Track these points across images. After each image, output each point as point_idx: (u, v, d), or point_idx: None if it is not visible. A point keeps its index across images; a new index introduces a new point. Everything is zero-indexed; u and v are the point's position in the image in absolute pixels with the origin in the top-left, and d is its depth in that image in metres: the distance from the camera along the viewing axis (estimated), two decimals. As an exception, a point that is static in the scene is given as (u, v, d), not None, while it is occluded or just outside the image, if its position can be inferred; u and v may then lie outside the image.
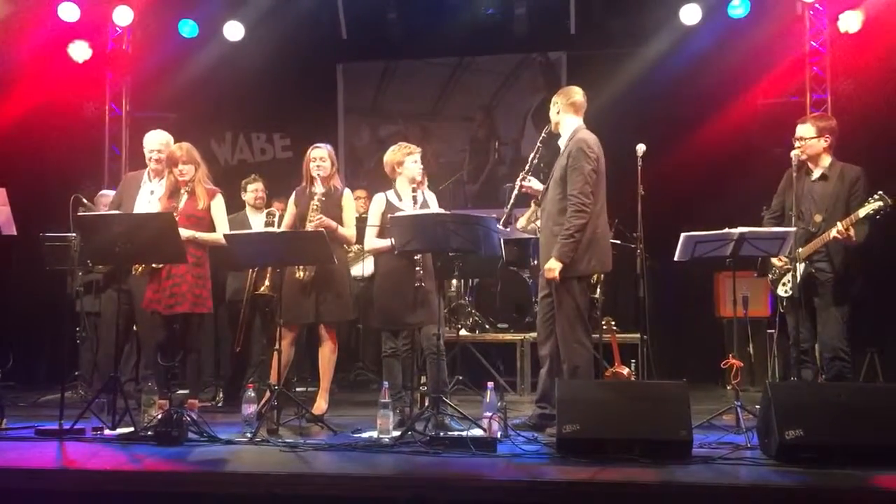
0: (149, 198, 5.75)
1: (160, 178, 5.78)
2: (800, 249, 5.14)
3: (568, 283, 4.82)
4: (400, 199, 5.38)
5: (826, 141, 5.26)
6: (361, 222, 6.74)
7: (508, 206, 5.23)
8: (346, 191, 5.60)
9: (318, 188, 5.39)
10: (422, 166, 5.41)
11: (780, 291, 5.37)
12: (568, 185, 4.82)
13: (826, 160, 5.29)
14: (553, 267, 4.77)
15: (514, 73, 8.98)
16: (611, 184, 6.46)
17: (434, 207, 5.40)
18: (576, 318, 4.83)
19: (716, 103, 7.64)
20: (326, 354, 5.48)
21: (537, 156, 5.10)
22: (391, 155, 5.43)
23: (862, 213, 4.97)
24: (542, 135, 5.11)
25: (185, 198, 5.48)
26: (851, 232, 4.99)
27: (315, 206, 5.35)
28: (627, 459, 3.97)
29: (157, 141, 5.81)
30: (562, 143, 5.02)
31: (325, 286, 5.33)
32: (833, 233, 5.03)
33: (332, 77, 9.20)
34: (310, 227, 5.28)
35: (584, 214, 4.77)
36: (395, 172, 5.41)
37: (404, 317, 5.22)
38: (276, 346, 5.09)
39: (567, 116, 5.03)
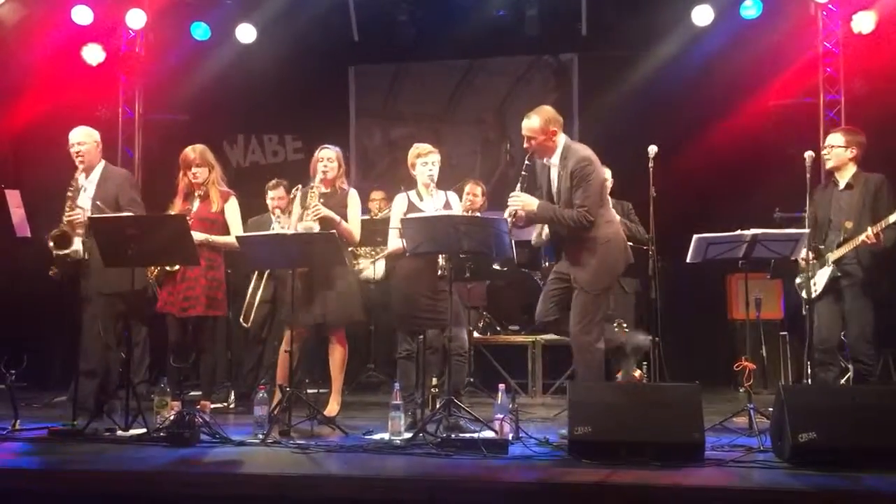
0: (82, 194, 5.52)
1: (88, 173, 5.59)
2: (830, 254, 5.27)
3: (601, 295, 4.79)
4: (421, 200, 5.37)
5: (852, 153, 5.37)
6: (377, 223, 6.80)
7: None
8: (352, 190, 5.59)
9: (317, 184, 5.38)
10: (431, 170, 5.33)
11: (805, 293, 5.41)
12: (575, 198, 4.74)
13: (851, 170, 5.39)
14: (530, 205, 4.75)
15: (525, 74, 8.96)
16: (623, 185, 6.50)
17: (457, 209, 5.39)
18: (596, 325, 4.77)
19: (728, 104, 7.61)
20: (336, 357, 5.47)
21: (525, 185, 4.92)
22: (409, 155, 5.43)
23: (893, 218, 5.05)
24: (527, 162, 4.94)
25: (198, 201, 5.50)
26: (882, 237, 5.09)
27: (313, 194, 5.34)
28: (639, 462, 3.96)
29: (75, 136, 5.58)
30: (555, 160, 4.88)
31: (330, 288, 5.32)
32: (862, 237, 5.12)
33: (344, 79, 9.21)
34: (307, 218, 5.27)
35: (583, 223, 4.70)
36: (412, 173, 5.42)
37: (423, 319, 5.22)
38: (287, 349, 5.11)
39: (560, 136, 4.89)
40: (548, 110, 4.87)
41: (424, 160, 5.33)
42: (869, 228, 5.10)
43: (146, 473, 4.02)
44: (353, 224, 5.51)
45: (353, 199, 5.55)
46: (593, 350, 4.76)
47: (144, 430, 4.73)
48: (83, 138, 5.58)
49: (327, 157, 5.46)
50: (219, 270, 5.47)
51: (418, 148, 5.40)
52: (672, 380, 5.77)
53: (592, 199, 4.71)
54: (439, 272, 5.00)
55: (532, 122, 4.82)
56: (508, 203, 4.82)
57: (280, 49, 8.37)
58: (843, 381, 5.88)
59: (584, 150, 4.85)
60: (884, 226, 5.07)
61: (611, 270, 4.86)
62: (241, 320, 6.53)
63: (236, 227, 5.51)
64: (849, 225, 5.26)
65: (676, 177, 6.63)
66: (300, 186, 5.60)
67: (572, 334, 4.82)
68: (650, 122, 7.46)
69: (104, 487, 3.90)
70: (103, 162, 5.68)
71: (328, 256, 5.02)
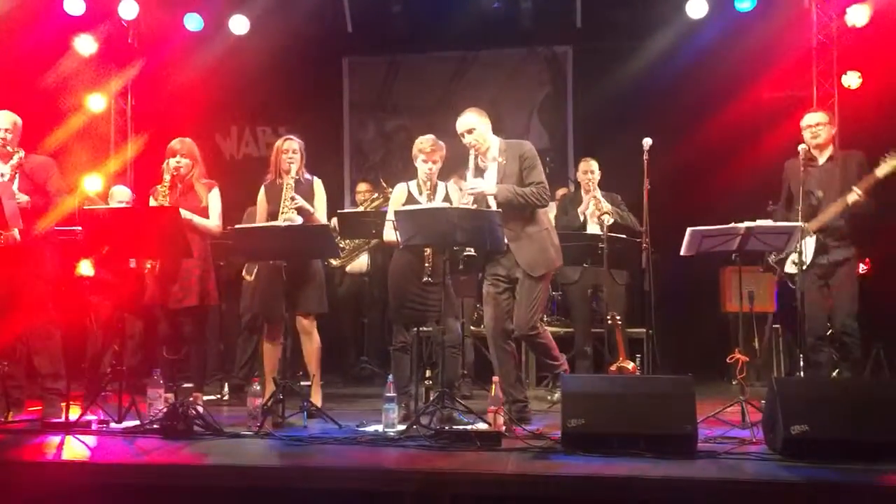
0: None
1: (5, 161, 5.37)
2: (806, 224, 5.24)
3: (544, 281, 4.98)
4: (420, 193, 5.34)
5: (833, 130, 5.48)
6: (368, 216, 6.79)
7: None
8: (317, 179, 5.58)
9: (293, 174, 5.38)
10: (431, 168, 5.27)
11: (789, 269, 5.43)
12: (530, 178, 4.94)
13: (830, 147, 5.47)
14: (488, 190, 4.88)
15: (519, 67, 8.95)
16: (617, 178, 6.50)
17: (456, 201, 5.37)
18: (539, 314, 4.97)
19: (722, 97, 7.61)
20: (314, 348, 5.47)
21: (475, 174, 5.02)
22: (413, 146, 5.38)
23: (881, 172, 5.09)
24: (472, 153, 5.00)
25: (180, 186, 5.48)
26: (869, 195, 5.12)
27: (289, 185, 5.33)
28: (632, 454, 3.97)
29: (2, 122, 5.35)
30: (493, 153, 5.02)
31: (300, 279, 5.30)
32: (853, 197, 5.15)
33: (338, 71, 9.19)
34: (286, 209, 5.26)
35: (543, 201, 4.94)
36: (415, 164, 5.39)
37: (414, 310, 5.21)
38: (282, 340, 5.10)
39: (491, 134, 5.06)
40: (476, 112, 5.06)
41: (425, 157, 5.28)
42: (854, 188, 5.13)
43: (139, 465, 4.02)
44: (321, 213, 5.52)
45: (319, 187, 5.57)
46: (543, 336, 4.97)
47: (137, 422, 4.73)
48: (9, 125, 5.39)
49: (292, 150, 5.45)
50: (208, 261, 5.49)
51: (422, 144, 5.31)
52: (665, 372, 5.78)
53: (543, 180, 4.95)
54: (424, 279, 5.00)
55: (468, 117, 5.03)
56: (467, 191, 4.92)
57: (273, 40, 8.33)
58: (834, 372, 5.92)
59: (525, 142, 5.11)
60: (872, 181, 5.10)
61: (550, 258, 5.03)
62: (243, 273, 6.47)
63: (215, 215, 5.51)
64: (820, 194, 5.30)
65: (670, 169, 6.63)
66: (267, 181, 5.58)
67: (523, 332, 4.92)
68: (644, 114, 7.46)
69: (97, 480, 3.89)
70: (21, 150, 5.44)
71: (323, 248, 5.01)
